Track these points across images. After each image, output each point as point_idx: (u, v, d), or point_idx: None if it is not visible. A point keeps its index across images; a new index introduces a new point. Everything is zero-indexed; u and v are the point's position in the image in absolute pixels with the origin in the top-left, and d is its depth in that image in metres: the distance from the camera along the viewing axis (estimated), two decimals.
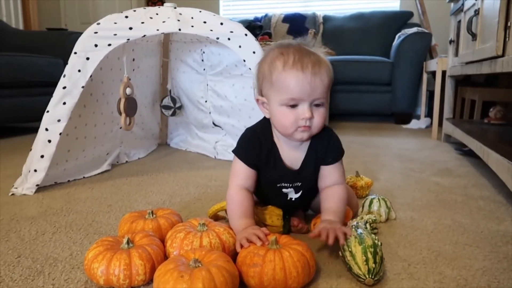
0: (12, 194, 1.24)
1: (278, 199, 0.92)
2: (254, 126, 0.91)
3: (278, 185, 0.89)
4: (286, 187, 0.89)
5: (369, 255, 0.70)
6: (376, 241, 0.73)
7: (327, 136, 0.86)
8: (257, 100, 0.86)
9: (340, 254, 0.77)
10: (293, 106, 0.77)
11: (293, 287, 0.67)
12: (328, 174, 0.88)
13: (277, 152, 0.86)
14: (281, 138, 0.86)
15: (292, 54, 0.76)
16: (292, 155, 0.87)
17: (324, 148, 0.86)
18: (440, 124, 2.36)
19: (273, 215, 0.90)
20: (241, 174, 0.85)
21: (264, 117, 0.88)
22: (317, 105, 0.78)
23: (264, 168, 0.87)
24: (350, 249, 0.73)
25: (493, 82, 2.56)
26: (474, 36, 1.61)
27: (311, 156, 0.86)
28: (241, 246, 0.72)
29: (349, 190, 1.00)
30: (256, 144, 0.86)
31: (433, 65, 2.54)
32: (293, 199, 0.92)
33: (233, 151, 0.88)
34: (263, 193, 0.94)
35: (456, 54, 2.06)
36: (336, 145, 0.88)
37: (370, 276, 0.69)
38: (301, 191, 0.91)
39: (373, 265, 0.69)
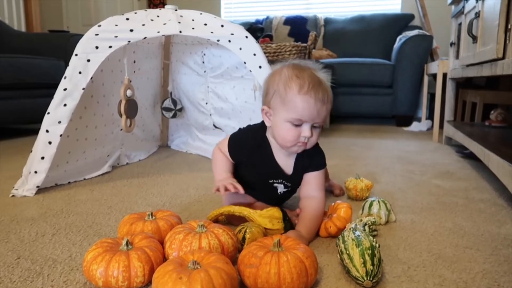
0: (13, 196, 1.24)
1: (267, 192, 1.02)
2: (255, 127, 1.01)
3: (270, 181, 0.99)
4: (278, 183, 1.00)
5: (367, 257, 0.69)
6: (373, 243, 0.72)
7: (314, 149, 0.96)
8: (262, 109, 0.94)
9: (338, 257, 0.76)
10: (297, 125, 0.88)
11: None
12: (309, 181, 0.97)
13: (272, 156, 0.97)
14: (275, 145, 0.96)
15: (307, 80, 0.87)
16: (285, 160, 0.97)
17: (309, 158, 0.96)
18: (441, 126, 2.36)
19: (273, 218, 0.90)
20: (225, 148, 1.00)
21: (263, 122, 0.97)
22: (315, 127, 0.90)
23: (258, 164, 0.98)
24: (347, 252, 0.72)
25: (494, 85, 2.56)
26: (474, 38, 1.61)
27: (298, 164, 0.97)
28: (217, 190, 0.90)
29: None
30: (248, 146, 0.98)
31: (434, 67, 2.53)
32: (281, 193, 1.02)
33: (229, 142, 0.99)
34: (252, 186, 1.01)
35: (457, 56, 2.06)
36: (320, 157, 0.98)
37: (368, 278, 0.68)
38: (289, 188, 1.01)
39: (371, 267, 0.69)
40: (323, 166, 0.98)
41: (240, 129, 1.04)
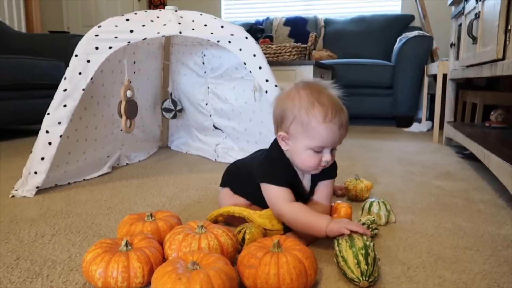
0: (13, 196, 1.24)
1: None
2: (280, 156, 0.94)
3: (298, 200, 0.94)
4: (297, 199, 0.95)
5: (360, 258, 0.69)
6: (367, 242, 0.72)
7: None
8: (279, 135, 0.91)
9: (335, 260, 0.76)
10: (319, 151, 0.88)
11: None
12: (319, 189, 0.97)
13: (300, 181, 0.96)
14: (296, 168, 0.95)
15: (330, 106, 0.86)
16: (306, 181, 0.97)
17: (321, 173, 0.95)
18: (441, 127, 2.36)
19: (273, 219, 0.90)
20: (289, 194, 0.89)
21: (277, 144, 0.94)
22: (333, 149, 0.91)
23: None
24: (342, 254, 0.72)
25: (494, 86, 2.56)
26: (474, 39, 1.61)
27: (315, 179, 0.97)
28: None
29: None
30: (286, 169, 0.93)
31: (434, 68, 2.54)
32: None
33: (264, 180, 0.91)
34: (258, 197, 0.96)
35: (457, 57, 2.06)
36: (333, 167, 0.97)
37: (364, 279, 0.68)
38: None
39: (365, 267, 0.69)
40: (334, 176, 0.98)
41: (265, 160, 0.96)
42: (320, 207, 0.94)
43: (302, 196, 0.96)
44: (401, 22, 3.41)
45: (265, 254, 0.68)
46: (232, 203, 1.01)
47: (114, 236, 0.94)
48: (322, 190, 0.96)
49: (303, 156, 0.88)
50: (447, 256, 0.83)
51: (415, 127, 2.90)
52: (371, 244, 0.73)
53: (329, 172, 0.95)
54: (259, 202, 0.99)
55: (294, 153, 0.90)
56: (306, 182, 0.97)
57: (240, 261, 0.70)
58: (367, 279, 0.68)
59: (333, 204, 0.98)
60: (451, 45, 2.18)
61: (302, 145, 0.87)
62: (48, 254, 0.84)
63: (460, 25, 2.03)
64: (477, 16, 1.58)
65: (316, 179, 0.96)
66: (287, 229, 0.91)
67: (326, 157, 0.88)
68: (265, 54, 1.48)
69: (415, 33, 3.01)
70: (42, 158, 1.25)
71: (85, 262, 0.70)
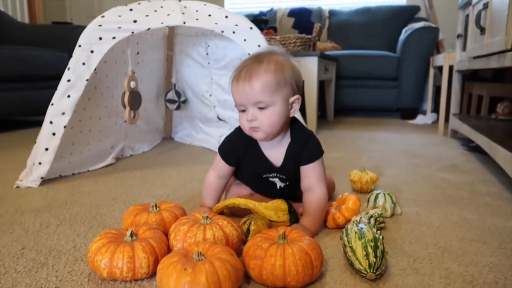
0: (17, 187, 1.24)
1: (267, 188, 0.99)
2: (237, 127, 0.97)
3: (264, 176, 0.96)
4: (273, 177, 0.96)
5: (370, 250, 0.69)
6: (377, 235, 0.72)
7: (304, 139, 0.92)
8: None
9: (342, 250, 0.76)
10: (243, 110, 0.87)
11: (292, 285, 0.66)
12: (306, 175, 0.92)
13: (259, 149, 0.93)
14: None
15: (242, 66, 0.86)
16: (273, 153, 0.93)
17: (299, 150, 0.91)
18: (447, 119, 2.34)
19: (279, 210, 0.90)
20: (221, 168, 0.97)
21: None
22: (261, 108, 0.85)
23: (249, 162, 0.95)
24: (350, 245, 0.72)
25: (501, 77, 2.53)
26: (482, 30, 1.59)
27: (289, 157, 0.92)
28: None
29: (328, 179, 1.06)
30: (239, 144, 0.94)
31: (440, 60, 2.51)
32: (282, 187, 0.97)
33: (218, 149, 0.98)
34: (252, 183, 1.01)
35: (464, 48, 2.04)
36: (311, 147, 0.92)
37: (372, 271, 0.68)
38: (287, 182, 0.96)
39: (374, 260, 0.68)
40: (316, 157, 0.91)
41: (226, 137, 1.00)
42: (312, 194, 0.90)
43: (270, 168, 0.93)
44: (407, 13, 3.37)
45: (271, 245, 0.68)
46: (235, 191, 1.03)
47: (118, 226, 0.94)
48: (308, 174, 0.91)
49: (239, 116, 0.89)
50: (453, 249, 0.82)
51: (420, 119, 2.88)
52: (381, 237, 0.72)
53: (305, 152, 0.90)
54: (260, 190, 1.01)
55: None
56: (275, 155, 0.92)
57: (246, 252, 0.69)
58: (374, 271, 0.68)
59: (340, 196, 0.97)
60: (458, 36, 2.16)
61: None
62: (53, 244, 0.84)
63: (467, 15, 2.00)
64: (486, 6, 1.55)
65: (291, 157, 0.91)
66: (293, 220, 0.91)
67: (247, 116, 0.86)
68: (269, 45, 1.46)
69: (421, 24, 2.97)
70: (46, 149, 1.25)
71: (90, 252, 0.70)
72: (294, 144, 0.91)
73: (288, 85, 0.85)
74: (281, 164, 0.93)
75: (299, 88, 0.89)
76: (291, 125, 0.92)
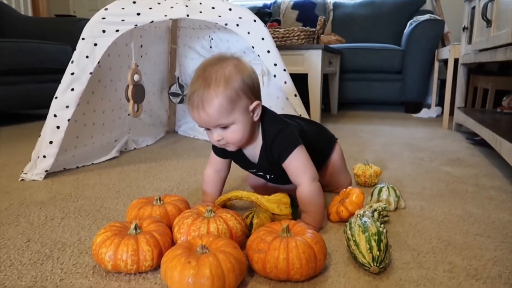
0: (22, 180, 1.25)
1: (260, 177, 1.04)
2: None
3: (250, 171, 1.01)
4: (256, 172, 1.00)
5: (373, 243, 0.69)
6: (380, 229, 0.72)
7: (271, 138, 0.88)
8: None
9: (346, 244, 0.76)
10: (208, 129, 0.85)
11: (296, 278, 0.66)
12: (287, 171, 0.89)
13: (240, 149, 0.92)
14: None
15: (192, 87, 0.82)
16: (251, 152, 0.93)
17: (269, 149, 0.89)
18: (451, 113, 2.33)
19: (281, 203, 0.90)
20: (216, 162, 0.99)
21: None
22: (225, 127, 0.84)
23: (235, 159, 0.98)
24: (354, 238, 0.72)
25: (506, 71, 2.51)
26: (489, 22, 1.57)
27: (263, 156, 0.91)
28: None
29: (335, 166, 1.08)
30: None
31: (445, 53, 2.49)
32: (272, 177, 1.00)
33: (212, 144, 0.96)
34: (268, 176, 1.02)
35: (470, 41, 2.02)
36: (279, 145, 0.88)
37: (375, 264, 0.68)
38: (273, 175, 0.99)
39: (378, 253, 0.68)
40: (287, 152, 0.87)
41: None
42: (299, 189, 0.88)
43: (250, 165, 0.96)
44: (412, 6, 3.34)
45: (275, 238, 0.68)
46: (252, 177, 1.10)
47: (122, 219, 0.95)
48: (289, 170, 0.88)
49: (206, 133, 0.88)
50: (457, 242, 0.82)
51: (424, 113, 2.87)
52: (384, 230, 0.72)
53: (274, 151, 0.88)
54: (271, 180, 1.02)
55: None
56: (251, 154, 0.93)
57: (249, 245, 0.70)
58: (378, 265, 0.68)
59: (344, 189, 0.97)
60: (464, 28, 2.13)
61: None
62: (58, 237, 0.84)
63: (473, 8, 1.98)
64: None
65: (264, 154, 0.90)
66: (295, 213, 0.91)
67: (213, 137, 0.85)
68: (272, 38, 1.45)
69: (426, 16, 2.94)
70: (51, 142, 1.25)
71: (94, 245, 0.70)
72: (264, 144, 0.89)
73: (242, 96, 0.82)
74: (257, 162, 0.93)
75: (255, 91, 0.85)
76: (262, 125, 0.89)
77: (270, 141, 0.88)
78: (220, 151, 0.96)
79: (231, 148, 0.88)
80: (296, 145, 0.87)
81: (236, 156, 0.96)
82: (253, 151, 0.92)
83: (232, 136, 0.84)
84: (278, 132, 0.88)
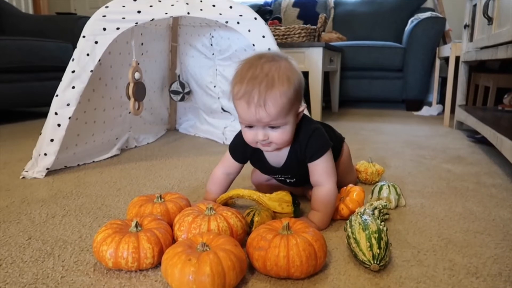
0: (23, 178, 1.25)
1: (279, 181, 1.03)
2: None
3: (273, 176, 1.00)
4: (278, 177, 0.99)
5: (373, 241, 0.69)
6: (381, 227, 0.72)
7: (306, 139, 0.88)
8: None
9: (346, 242, 0.76)
10: (250, 126, 0.82)
11: (296, 275, 0.66)
12: (312, 171, 0.90)
13: (261, 153, 0.93)
14: None
15: (245, 84, 0.78)
16: (275, 157, 0.92)
17: (303, 149, 0.88)
18: (453, 111, 2.32)
19: (283, 202, 0.90)
20: (229, 165, 0.98)
21: None
22: (273, 127, 0.81)
23: (255, 163, 0.98)
24: (354, 236, 0.72)
25: (508, 68, 2.50)
26: (490, 20, 1.57)
27: (292, 158, 0.90)
28: None
29: (345, 165, 1.10)
30: (247, 148, 0.91)
31: (446, 50, 2.48)
32: (292, 182, 0.99)
33: (229, 146, 0.97)
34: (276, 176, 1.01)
35: (471, 39, 2.01)
36: (313, 145, 0.88)
37: (375, 262, 0.68)
38: (295, 178, 0.97)
39: (378, 251, 0.68)
40: (320, 154, 0.87)
41: (236, 135, 0.96)
42: (319, 189, 0.88)
43: (272, 169, 0.95)
44: (413, 3, 3.33)
45: (275, 236, 0.68)
46: (258, 173, 1.07)
47: (123, 217, 0.95)
48: (315, 170, 0.89)
49: (242, 130, 0.85)
50: (457, 240, 0.82)
51: (425, 110, 2.87)
52: (385, 228, 0.72)
53: (308, 151, 0.87)
54: (292, 184, 1.01)
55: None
56: (277, 159, 0.92)
57: (250, 243, 0.70)
58: (378, 262, 0.68)
59: (345, 187, 0.97)
60: (465, 26, 2.13)
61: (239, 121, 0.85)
62: (59, 235, 0.85)
63: (475, 5, 1.97)
64: None
65: (294, 156, 0.89)
66: (297, 212, 0.91)
67: (258, 136, 0.82)
68: (273, 36, 1.45)
69: (427, 14, 2.94)
70: (52, 140, 1.26)
71: (95, 243, 0.70)
72: (297, 144, 0.88)
73: (298, 98, 0.82)
74: (281, 166, 0.92)
75: (302, 93, 0.85)
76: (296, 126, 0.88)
77: (305, 142, 0.87)
78: (240, 155, 0.95)
79: (271, 148, 0.85)
80: (329, 146, 0.89)
81: (257, 162, 0.95)
82: (280, 154, 0.90)
83: (280, 137, 0.82)
84: (313, 132, 0.88)
